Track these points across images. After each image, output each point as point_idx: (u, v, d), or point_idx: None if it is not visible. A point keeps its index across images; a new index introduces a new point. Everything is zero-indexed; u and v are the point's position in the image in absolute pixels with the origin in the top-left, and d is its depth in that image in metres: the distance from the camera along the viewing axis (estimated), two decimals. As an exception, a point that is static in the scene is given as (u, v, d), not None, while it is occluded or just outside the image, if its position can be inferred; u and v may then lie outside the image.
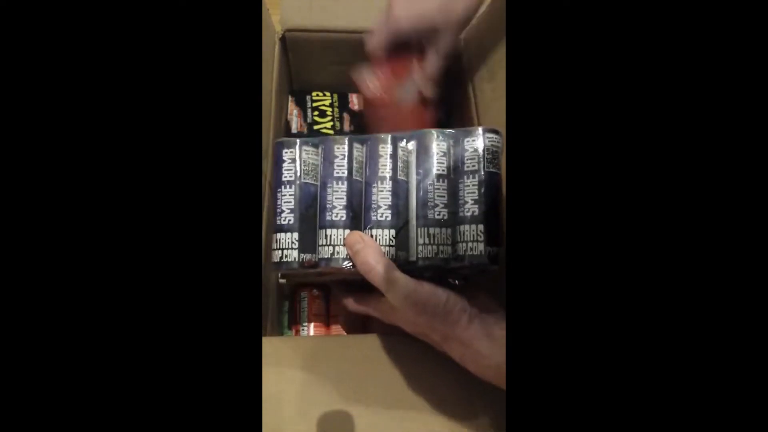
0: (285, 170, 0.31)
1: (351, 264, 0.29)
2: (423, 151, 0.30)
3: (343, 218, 0.30)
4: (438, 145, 0.30)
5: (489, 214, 0.29)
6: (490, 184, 0.29)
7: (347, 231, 0.30)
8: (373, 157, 0.31)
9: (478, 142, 0.29)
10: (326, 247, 0.30)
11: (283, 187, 0.31)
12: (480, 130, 0.30)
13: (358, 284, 0.30)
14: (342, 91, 0.61)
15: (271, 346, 0.32)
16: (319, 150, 0.31)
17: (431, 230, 0.29)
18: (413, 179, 0.30)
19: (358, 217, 0.30)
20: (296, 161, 0.31)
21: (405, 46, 0.38)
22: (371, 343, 0.33)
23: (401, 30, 0.36)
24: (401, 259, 0.29)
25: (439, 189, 0.30)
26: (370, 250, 0.28)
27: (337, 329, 0.47)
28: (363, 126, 0.58)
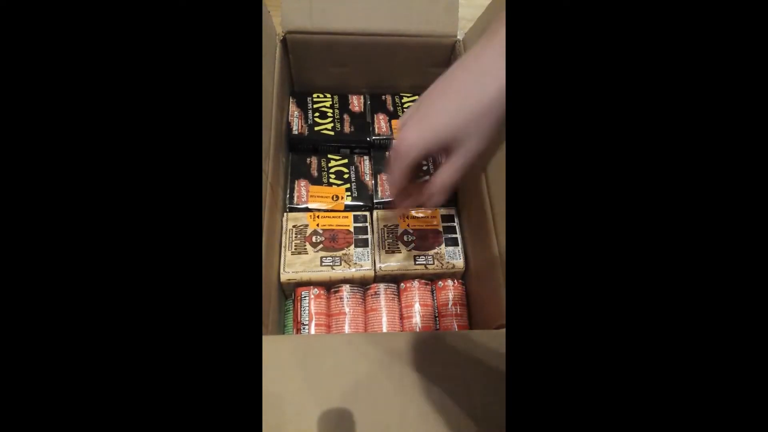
0: None
1: None
2: None
3: None
4: None
5: None
6: None
7: None
8: None
9: None
10: None
11: None
12: None
13: None
14: (342, 92, 0.62)
15: (271, 345, 0.32)
16: None
17: None
18: None
19: None
20: None
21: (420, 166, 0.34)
22: (372, 341, 0.33)
23: (416, 151, 0.31)
24: None
25: None
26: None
27: (338, 328, 0.48)
28: (363, 127, 0.59)
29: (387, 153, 0.58)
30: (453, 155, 0.31)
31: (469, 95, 0.29)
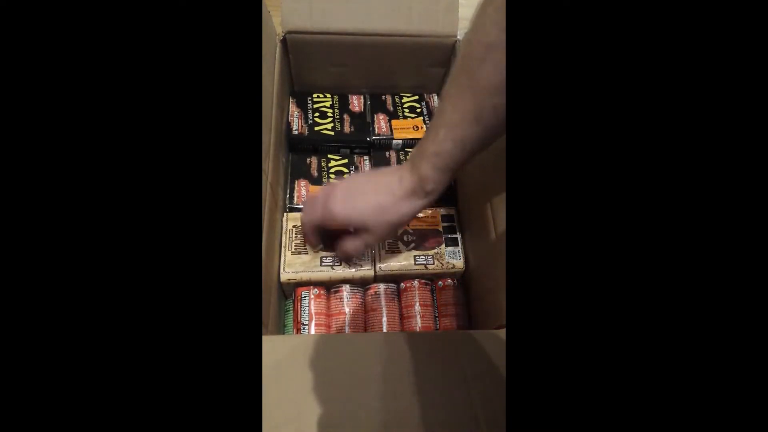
0: None
1: None
2: None
3: None
4: None
5: None
6: None
7: None
8: None
9: None
10: None
11: None
12: None
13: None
14: (342, 92, 0.62)
15: (271, 345, 0.32)
16: None
17: None
18: None
19: None
20: None
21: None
22: (372, 340, 0.33)
23: (335, 219, 0.42)
24: None
25: None
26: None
27: (338, 327, 0.48)
28: (363, 127, 0.59)
29: (387, 153, 0.58)
30: (358, 235, 0.42)
31: (388, 215, 0.40)
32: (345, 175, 0.56)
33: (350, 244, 0.44)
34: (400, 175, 0.40)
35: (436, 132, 0.37)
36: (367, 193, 0.41)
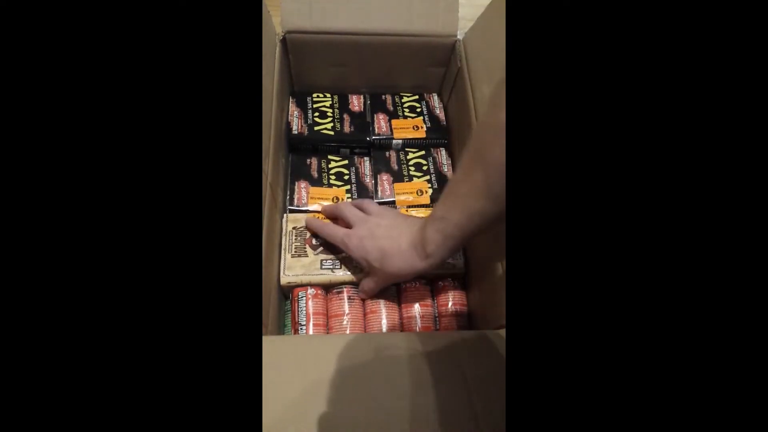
0: None
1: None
2: None
3: None
4: None
5: None
6: None
7: None
8: None
9: None
10: None
11: None
12: None
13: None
14: (342, 92, 0.62)
15: (271, 346, 0.32)
16: None
17: None
18: None
19: None
20: None
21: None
22: (372, 342, 0.33)
23: (348, 252, 0.46)
24: None
25: None
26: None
27: (337, 328, 0.47)
28: (363, 127, 0.59)
29: (387, 153, 0.58)
30: (369, 275, 0.46)
31: (387, 262, 0.42)
32: (348, 177, 0.56)
33: (364, 285, 0.47)
34: (411, 228, 0.41)
35: (446, 197, 0.38)
36: (380, 238, 0.43)
